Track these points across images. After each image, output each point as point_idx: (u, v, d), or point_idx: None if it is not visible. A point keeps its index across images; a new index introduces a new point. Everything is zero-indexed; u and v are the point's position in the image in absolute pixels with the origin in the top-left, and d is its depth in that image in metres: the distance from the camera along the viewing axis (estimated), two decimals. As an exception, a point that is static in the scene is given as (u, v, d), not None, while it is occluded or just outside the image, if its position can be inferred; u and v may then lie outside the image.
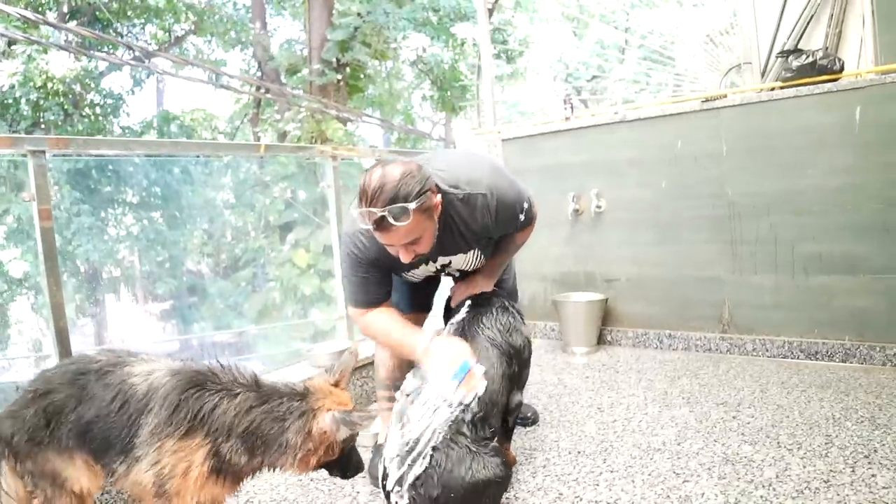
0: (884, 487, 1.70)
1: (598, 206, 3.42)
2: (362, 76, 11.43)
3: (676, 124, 3.15)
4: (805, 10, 3.27)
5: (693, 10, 4.47)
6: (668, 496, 1.74)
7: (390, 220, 1.46)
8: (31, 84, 8.30)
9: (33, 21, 7.27)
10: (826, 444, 2.00)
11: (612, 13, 6.47)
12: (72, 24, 8.77)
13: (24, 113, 8.43)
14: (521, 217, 1.80)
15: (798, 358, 2.91)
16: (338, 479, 1.95)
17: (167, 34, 12.16)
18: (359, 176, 1.56)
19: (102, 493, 1.74)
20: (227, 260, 9.08)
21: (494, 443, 1.64)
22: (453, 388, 1.58)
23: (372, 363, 2.32)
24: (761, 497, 1.69)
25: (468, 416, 1.58)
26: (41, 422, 1.31)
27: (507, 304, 1.88)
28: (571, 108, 3.58)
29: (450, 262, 1.86)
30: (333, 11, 10.13)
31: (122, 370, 1.34)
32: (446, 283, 2.11)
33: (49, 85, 8.43)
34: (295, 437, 1.34)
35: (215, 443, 1.29)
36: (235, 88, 11.07)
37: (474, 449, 1.55)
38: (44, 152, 1.88)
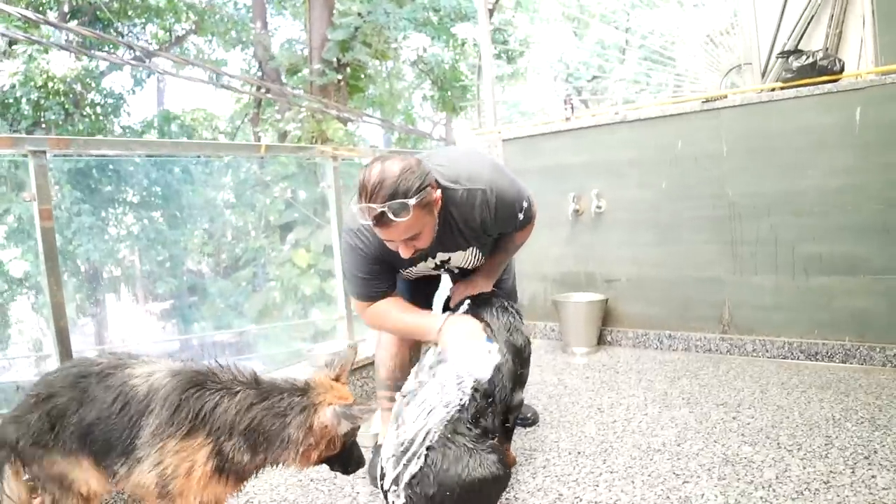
0: (884, 488, 1.70)
1: (599, 207, 3.42)
2: (363, 76, 11.45)
3: (677, 125, 3.15)
4: (805, 10, 3.27)
5: (693, 11, 4.46)
6: (668, 497, 1.74)
7: (390, 215, 1.46)
8: (32, 84, 8.31)
9: (34, 21, 7.29)
10: (826, 445, 2.00)
11: (613, 13, 6.46)
12: (72, 24, 8.79)
13: (25, 113, 8.44)
14: (521, 216, 1.80)
15: (798, 359, 2.91)
16: (338, 480, 1.97)
17: (168, 34, 12.18)
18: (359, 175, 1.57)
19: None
20: (228, 260, 9.08)
21: (494, 441, 1.64)
22: (472, 362, 1.60)
23: (372, 363, 2.33)
24: (761, 498, 1.69)
25: (466, 415, 1.59)
26: (45, 425, 1.31)
27: (506, 303, 1.89)
28: (572, 108, 3.58)
29: (449, 259, 1.86)
30: (334, 11, 10.15)
31: (122, 372, 1.34)
32: (446, 283, 2.11)
33: (50, 84, 8.44)
34: (297, 432, 1.34)
35: (217, 442, 1.29)
36: (236, 88, 11.06)
37: (472, 447, 1.55)
38: (44, 152, 1.88)
